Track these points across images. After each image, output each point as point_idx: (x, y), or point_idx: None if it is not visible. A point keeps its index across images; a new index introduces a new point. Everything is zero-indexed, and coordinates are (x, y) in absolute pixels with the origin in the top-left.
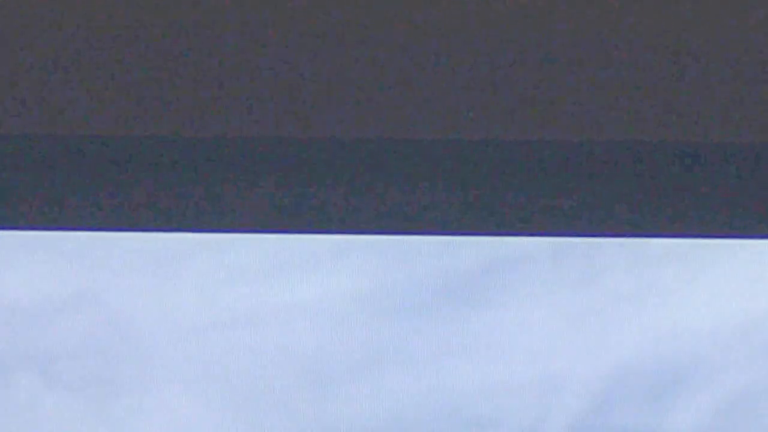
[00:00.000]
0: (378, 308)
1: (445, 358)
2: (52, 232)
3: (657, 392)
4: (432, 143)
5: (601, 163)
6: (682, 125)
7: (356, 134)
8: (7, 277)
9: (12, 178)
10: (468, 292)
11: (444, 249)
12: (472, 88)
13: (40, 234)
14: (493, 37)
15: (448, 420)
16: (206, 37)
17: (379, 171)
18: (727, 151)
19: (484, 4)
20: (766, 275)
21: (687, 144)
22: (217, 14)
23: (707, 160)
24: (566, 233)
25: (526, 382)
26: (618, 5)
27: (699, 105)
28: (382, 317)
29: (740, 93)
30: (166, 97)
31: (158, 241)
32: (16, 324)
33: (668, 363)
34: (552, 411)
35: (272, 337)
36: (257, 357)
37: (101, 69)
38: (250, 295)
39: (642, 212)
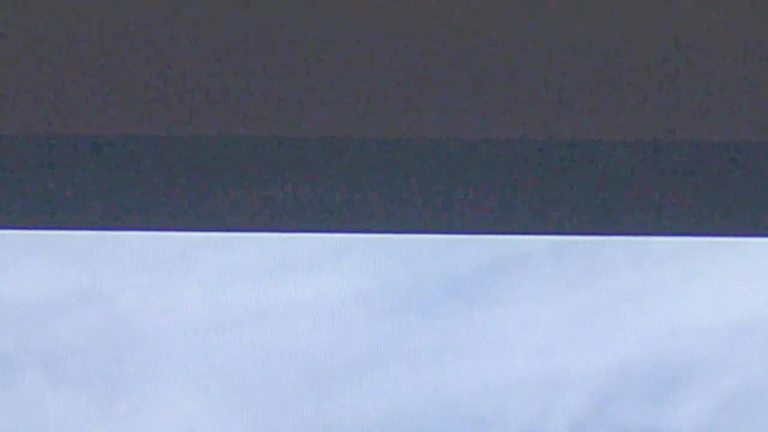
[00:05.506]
0: (380, 307)
1: (447, 356)
2: (54, 232)
3: (657, 390)
4: (432, 143)
5: (601, 163)
6: (683, 125)
7: (357, 134)
8: (11, 276)
9: (13, 178)
10: (469, 291)
11: (445, 248)
12: (472, 88)
13: (43, 233)
14: (494, 37)
15: (450, 417)
16: (206, 37)
17: (379, 171)
18: (727, 151)
19: (485, 4)
20: (766, 274)
21: (687, 144)
22: (218, 14)
23: (707, 160)
24: (566, 233)
25: (527, 380)
26: (618, 5)
27: (699, 104)
28: (384, 316)
29: (741, 92)
30: (166, 97)
31: (161, 240)
32: (20, 322)
33: (668, 361)
34: (553, 409)
35: (275, 336)
36: (260, 355)
37: (101, 69)
38: (253, 293)
39: (642, 212)
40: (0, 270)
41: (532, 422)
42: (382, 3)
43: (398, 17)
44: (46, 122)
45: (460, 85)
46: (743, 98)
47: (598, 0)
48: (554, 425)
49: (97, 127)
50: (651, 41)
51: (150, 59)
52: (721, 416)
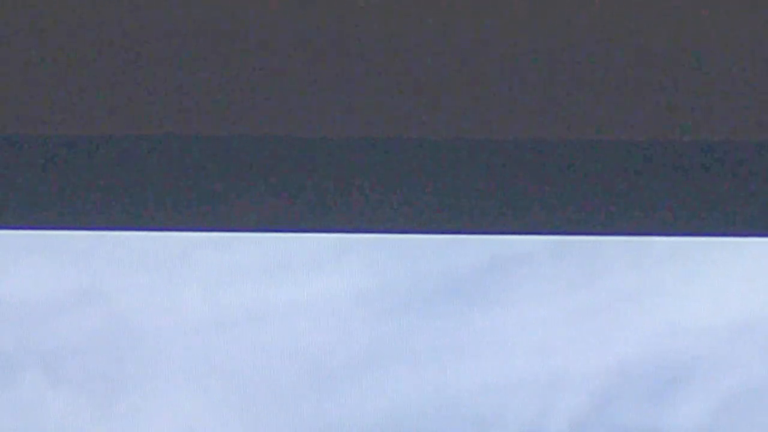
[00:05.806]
0: (380, 307)
1: (447, 356)
2: (54, 232)
3: (657, 390)
4: (432, 143)
5: (601, 163)
6: (683, 125)
7: (356, 134)
8: (11, 276)
9: (13, 178)
10: (469, 291)
11: (445, 248)
12: (472, 88)
13: (43, 233)
14: (494, 37)
15: (450, 417)
16: (206, 37)
17: (379, 171)
18: (727, 151)
19: (485, 5)
20: (766, 274)
21: (687, 144)
22: (218, 14)
23: (707, 160)
24: (566, 233)
25: (527, 380)
26: (618, 6)
27: (700, 105)
28: (384, 315)
29: (741, 92)
30: (166, 97)
31: (161, 240)
32: (20, 322)
33: (668, 361)
34: (553, 409)
35: (275, 336)
36: (260, 355)
37: (101, 69)
38: (253, 293)
39: (642, 212)
40: (0, 270)
41: (532, 422)
42: (382, 3)
43: (399, 17)
44: (46, 122)
45: (460, 85)
46: (743, 98)
47: (599, 0)
48: (554, 425)
49: (97, 127)
50: (651, 41)
51: (150, 59)
52: (721, 416)
